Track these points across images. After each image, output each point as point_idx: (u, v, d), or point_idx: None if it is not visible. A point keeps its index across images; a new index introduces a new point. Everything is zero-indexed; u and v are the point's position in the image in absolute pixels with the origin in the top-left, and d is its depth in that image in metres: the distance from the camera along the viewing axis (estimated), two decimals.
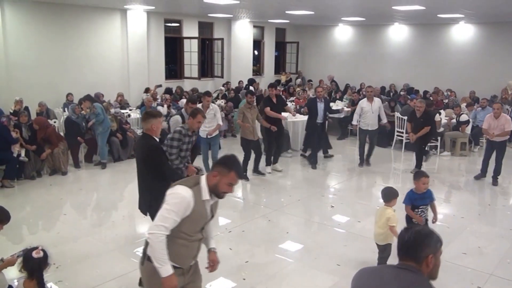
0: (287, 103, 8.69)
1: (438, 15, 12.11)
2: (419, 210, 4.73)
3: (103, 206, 6.86)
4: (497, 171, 7.89)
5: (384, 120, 8.94)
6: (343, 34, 17.56)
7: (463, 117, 10.13)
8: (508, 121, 7.61)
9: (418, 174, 4.80)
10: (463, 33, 14.72)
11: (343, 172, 8.85)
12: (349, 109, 11.82)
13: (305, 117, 10.47)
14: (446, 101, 12.82)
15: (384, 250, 4.59)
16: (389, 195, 4.57)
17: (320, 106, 8.64)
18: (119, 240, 5.47)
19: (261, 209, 6.64)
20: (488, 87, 13.53)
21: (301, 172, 8.79)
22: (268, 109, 8.07)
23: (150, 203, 4.11)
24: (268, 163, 8.42)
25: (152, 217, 4.04)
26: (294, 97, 12.50)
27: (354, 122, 9.08)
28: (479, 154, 10.28)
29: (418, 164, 8.46)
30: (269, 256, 5.08)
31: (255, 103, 7.93)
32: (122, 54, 12.64)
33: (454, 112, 10.66)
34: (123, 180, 7.97)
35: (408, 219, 4.82)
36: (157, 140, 4.20)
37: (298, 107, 11.24)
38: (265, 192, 7.53)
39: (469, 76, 14.35)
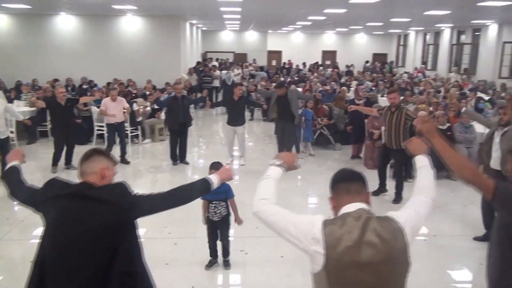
0: None
1: (113, 6, 12.10)
2: (213, 205, 4.34)
3: None
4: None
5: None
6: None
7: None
8: (122, 101, 8.65)
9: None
10: (132, 25, 15.30)
11: None
12: (34, 108, 10.48)
13: None
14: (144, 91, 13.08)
15: None
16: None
17: None
18: None
19: None
20: (163, 76, 14.59)
21: None
22: None
23: None
24: None
25: None
26: None
27: None
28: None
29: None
30: None
31: None
32: None
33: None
34: None
35: None
36: None
37: None
38: None
39: (145, 66, 15.12)
